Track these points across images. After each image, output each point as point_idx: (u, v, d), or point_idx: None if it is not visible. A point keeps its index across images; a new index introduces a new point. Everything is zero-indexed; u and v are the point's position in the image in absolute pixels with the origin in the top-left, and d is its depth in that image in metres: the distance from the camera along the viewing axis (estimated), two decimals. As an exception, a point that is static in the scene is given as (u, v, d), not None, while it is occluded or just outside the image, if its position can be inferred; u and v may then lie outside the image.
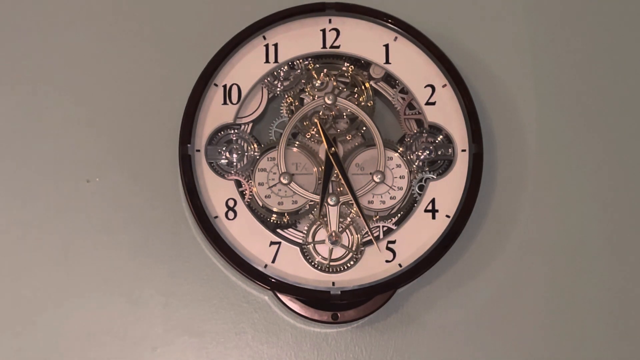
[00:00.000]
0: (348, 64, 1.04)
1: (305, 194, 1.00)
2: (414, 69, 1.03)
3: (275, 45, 1.03)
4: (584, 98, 1.08)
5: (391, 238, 0.99)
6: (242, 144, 1.01)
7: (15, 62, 1.07)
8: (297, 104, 1.03)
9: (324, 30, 1.04)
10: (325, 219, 0.99)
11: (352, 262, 0.99)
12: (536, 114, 1.07)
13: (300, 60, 1.03)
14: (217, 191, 0.99)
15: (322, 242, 0.99)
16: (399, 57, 1.03)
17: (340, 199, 1.00)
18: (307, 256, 0.99)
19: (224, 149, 1.00)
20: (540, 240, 1.05)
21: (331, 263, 0.98)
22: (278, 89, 1.03)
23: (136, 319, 1.02)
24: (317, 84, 1.03)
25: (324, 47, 1.03)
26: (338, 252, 0.99)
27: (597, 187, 1.06)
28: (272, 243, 0.99)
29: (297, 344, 1.02)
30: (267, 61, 1.03)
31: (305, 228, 1.00)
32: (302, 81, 1.03)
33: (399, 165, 1.01)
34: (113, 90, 1.06)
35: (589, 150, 1.07)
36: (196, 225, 0.99)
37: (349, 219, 1.00)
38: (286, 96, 1.03)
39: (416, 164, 1.01)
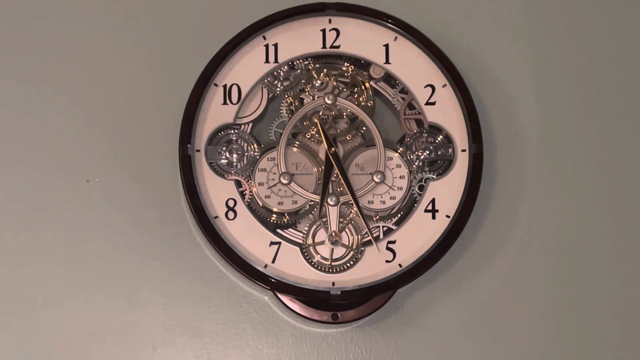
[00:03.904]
0: (348, 64, 1.04)
1: (305, 194, 1.00)
2: (414, 69, 1.03)
3: (275, 45, 1.03)
4: (584, 98, 1.08)
5: (391, 238, 0.99)
6: (242, 144, 1.01)
7: (15, 62, 1.07)
8: (297, 104, 1.03)
9: (324, 30, 1.04)
10: (325, 219, 0.99)
11: (352, 262, 0.99)
12: (536, 114, 1.07)
13: (300, 60, 1.03)
14: (217, 191, 0.99)
15: (322, 242, 0.99)
16: (399, 57, 1.03)
17: (340, 199, 1.00)
18: (307, 256, 0.99)
19: (224, 149, 1.00)
20: (540, 240, 1.05)
21: (332, 263, 0.98)
22: (278, 89, 1.03)
23: (136, 319, 1.02)
24: (317, 84, 1.03)
25: (324, 47, 1.03)
26: (338, 252, 0.99)
27: (597, 187, 1.06)
28: (272, 243, 0.99)
29: (297, 344, 1.02)
30: (267, 61, 1.03)
31: (305, 228, 1.00)
32: (302, 81, 1.03)
33: (399, 165, 1.01)
34: (113, 90, 1.06)
35: (589, 150, 1.07)
36: (196, 225, 0.99)
37: (348, 219, 1.00)
38: (286, 96, 1.03)
39: (416, 164, 1.01)
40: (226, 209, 0.99)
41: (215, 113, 1.01)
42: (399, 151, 1.02)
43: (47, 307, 1.01)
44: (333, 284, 0.98)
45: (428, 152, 1.01)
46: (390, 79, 1.04)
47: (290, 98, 1.03)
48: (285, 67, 1.03)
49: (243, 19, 1.03)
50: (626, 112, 1.08)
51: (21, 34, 1.07)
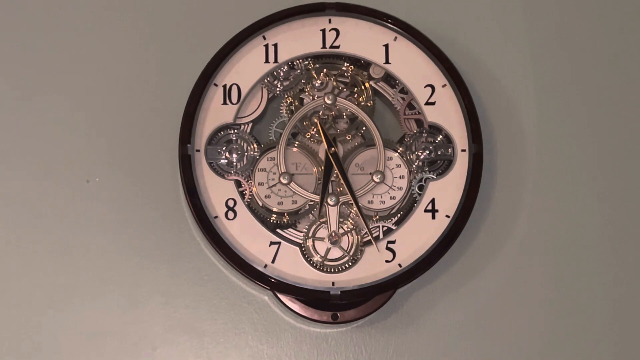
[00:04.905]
0: (348, 64, 1.04)
1: (305, 194, 1.00)
2: (413, 69, 1.03)
3: (275, 45, 1.03)
4: (584, 98, 1.08)
5: (391, 238, 0.99)
6: (242, 144, 1.01)
7: (15, 62, 1.07)
8: (297, 104, 1.03)
9: (323, 30, 1.04)
10: (325, 219, 0.99)
11: (351, 263, 0.99)
12: (536, 114, 1.07)
13: (300, 60, 1.03)
14: (217, 191, 0.99)
15: (322, 239, 0.99)
16: (399, 57, 1.03)
17: (340, 199, 1.00)
18: (306, 256, 0.99)
19: (223, 149, 1.00)
20: (540, 240, 1.05)
21: (327, 262, 0.98)
22: (278, 89, 1.03)
23: (136, 319, 1.02)
24: (317, 84, 1.03)
25: (324, 47, 1.03)
26: (336, 253, 0.99)
27: (597, 186, 1.06)
28: (272, 243, 0.99)
29: (297, 344, 1.02)
30: (267, 61, 1.03)
31: (305, 228, 1.00)
32: (302, 81, 1.03)
33: (398, 165, 1.01)
34: (113, 90, 1.06)
35: (589, 149, 1.07)
36: (196, 225, 0.99)
37: (349, 221, 0.99)
38: (286, 96, 1.03)
39: (416, 164, 1.01)
40: (226, 209, 0.99)
41: (215, 113, 1.01)
42: (398, 151, 1.02)
43: (47, 307, 1.02)
44: (333, 284, 0.98)
45: (428, 152, 1.01)
46: (390, 79, 1.04)
47: (290, 98, 1.03)
48: (285, 67, 1.03)
49: (243, 19, 1.03)
50: (626, 112, 1.08)
51: (21, 34, 1.07)
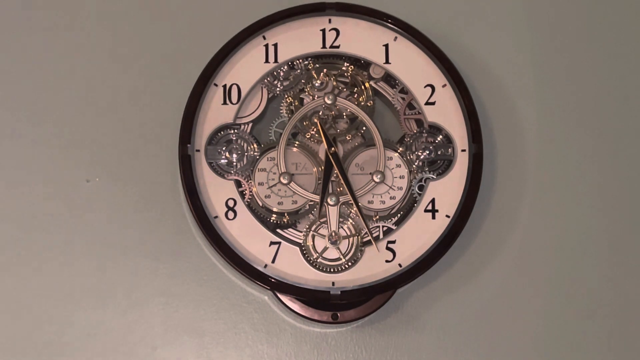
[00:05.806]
0: (348, 64, 1.04)
1: (305, 194, 1.00)
2: (413, 69, 1.03)
3: (275, 45, 1.03)
4: (584, 98, 1.08)
5: (391, 238, 0.99)
6: (242, 144, 1.01)
7: (14, 62, 1.07)
8: (297, 104, 1.03)
9: (323, 30, 1.04)
10: (325, 219, 0.99)
11: (351, 262, 0.99)
12: (536, 114, 1.07)
13: (300, 60, 1.03)
14: (217, 191, 0.99)
15: (323, 236, 0.99)
16: (399, 57, 1.03)
17: (340, 199, 1.00)
18: (306, 256, 0.99)
19: (223, 149, 1.00)
20: (540, 240, 1.05)
21: (322, 260, 0.98)
22: (278, 89, 1.03)
23: (136, 319, 1.02)
24: (317, 84, 1.03)
25: (324, 47, 1.03)
26: (332, 253, 0.99)
27: (597, 187, 1.06)
28: (272, 243, 0.99)
29: (297, 344, 1.02)
30: (267, 61, 1.03)
31: (306, 228, 1.00)
32: (302, 81, 1.03)
33: (398, 165, 1.01)
34: (113, 90, 1.06)
35: (589, 150, 1.07)
36: (196, 225, 0.99)
37: (350, 224, 0.99)
38: (286, 96, 1.03)
39: (416, 164, 1.01)
40: (226, 209, 0.99)
41: (215, 113, 1.01)
42: (398, 151, 1.02)
43: (47, 307, 1.01)
44: (333, 284, 0.98)
45: (428, 152, 1.01)
46: (390, 79, 1.04)
47: (290, 98, 1.03)
48: (285, 67, 1.03)
49: (243, 19, 1.03)
50: (626, 112, 1.08)
51: (21, 33, 1.07)
